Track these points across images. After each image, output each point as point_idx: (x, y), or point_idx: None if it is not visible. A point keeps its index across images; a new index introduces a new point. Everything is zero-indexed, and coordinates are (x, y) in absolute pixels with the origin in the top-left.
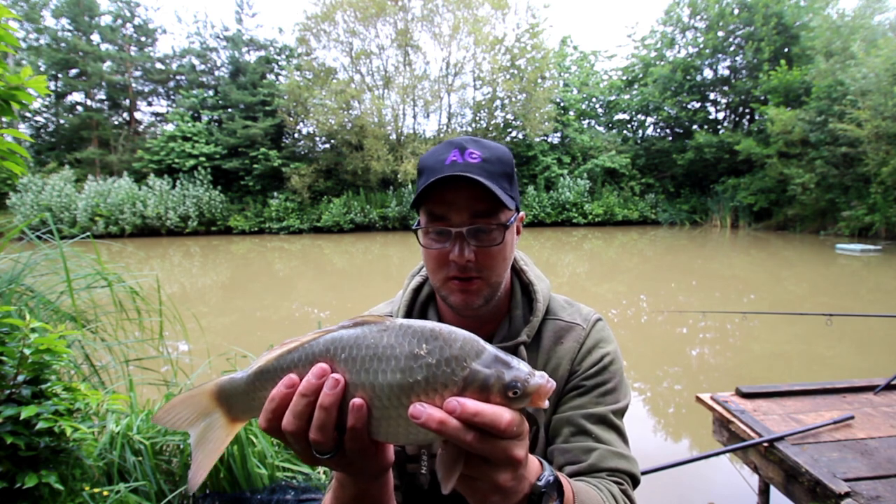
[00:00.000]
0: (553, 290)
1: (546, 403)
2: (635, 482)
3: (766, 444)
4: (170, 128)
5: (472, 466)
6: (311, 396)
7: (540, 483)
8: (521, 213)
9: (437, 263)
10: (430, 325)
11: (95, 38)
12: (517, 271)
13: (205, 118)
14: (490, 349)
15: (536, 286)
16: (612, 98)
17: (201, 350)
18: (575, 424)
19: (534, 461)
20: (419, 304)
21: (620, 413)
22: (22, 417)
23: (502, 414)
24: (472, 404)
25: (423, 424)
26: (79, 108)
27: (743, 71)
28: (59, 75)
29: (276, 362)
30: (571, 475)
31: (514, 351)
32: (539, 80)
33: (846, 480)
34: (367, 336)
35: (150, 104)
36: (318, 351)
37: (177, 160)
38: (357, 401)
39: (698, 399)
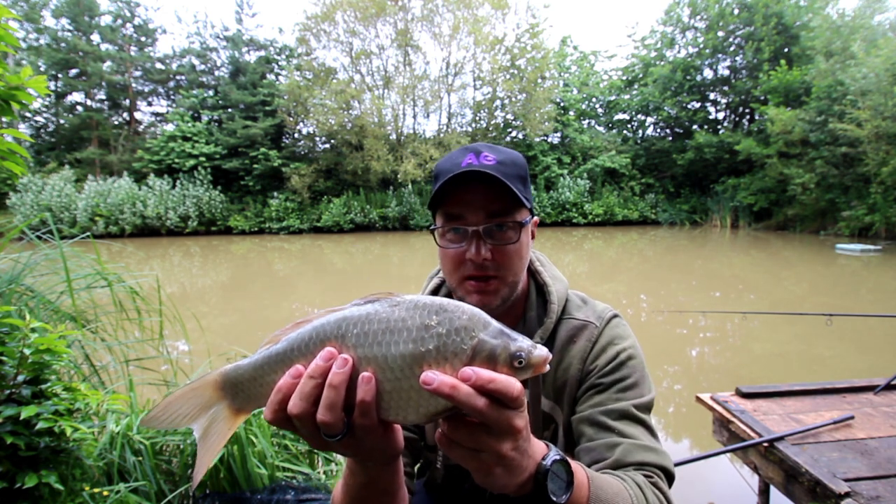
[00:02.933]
0: None
1: (547, 367)
2: (668, 476)
3: (766, 444)
4: (170, 128)
5: (475, 438)
6: (320, 378)
7: (545, 462)
8: (536, 218)
9: (453, 263)
10: (438, 299)
11: (95, 38)
12: (532, 272)
13: (205, 118)
14: (495, 323)
15: (551, 287)
16: (612, 98)
17: (201, 350)
18: (596, 422)
19: (539, 443)
20: None
21: (644, 407)
22: (22, 417)
23: (514, 383)
24: (486, 372)
25: (436, 390)
26: (79, 108)
27: (743, 71)
28: (59, 75)
29: (286, 344)
30: None
31: None
32: (539, 80)
33: (846, 480)
34: (379, 311)
35: (150, 104)
36: (329, 329)
37: (177, 160)
38: (366, 374)
39: (698, 399)
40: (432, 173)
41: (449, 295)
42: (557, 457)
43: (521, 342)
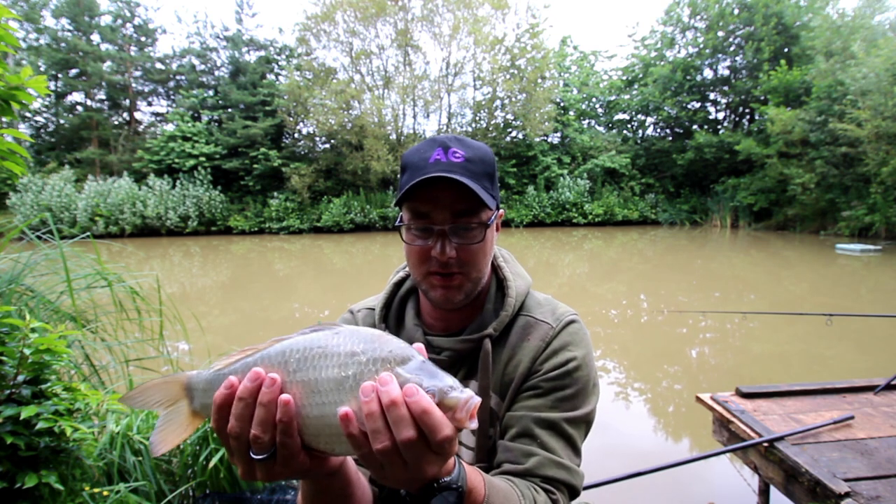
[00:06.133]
0: (552, 291)
1: (471, 424)
2: (573, 494)
3: (766, 444)
4: (170, 128)
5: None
6: (249, 399)
7: (445, 480)
8: (501, 211)
9: (418, 259)
10: (375, 331)
11: (95, 38)
12: (495, 268)
13: (205, 118)
14: (419, 359)
15: (511, 282)
16: (612, 98)
17: (201, 350)
18: (523, 425)
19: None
20: (399, 298)
21: (576, 421)
22: (22, 417)
23: (447, 424)
24: (427, 398)
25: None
26: (79, 108)
27: (743, 71)
28: (59, 75)
29: (233, 367)
30: (506, 474)
31: (479, 343)
32: (539, 80)
33: (846, 480)
34: (320, 338)
35: (150, 104)
36: (273, 354)
37: (177, 160)
38: (285, 396)
39: (698, 399)
40: (401, 163)
41: (412, 288)
42: (456, 478)
43: (438, 381)
